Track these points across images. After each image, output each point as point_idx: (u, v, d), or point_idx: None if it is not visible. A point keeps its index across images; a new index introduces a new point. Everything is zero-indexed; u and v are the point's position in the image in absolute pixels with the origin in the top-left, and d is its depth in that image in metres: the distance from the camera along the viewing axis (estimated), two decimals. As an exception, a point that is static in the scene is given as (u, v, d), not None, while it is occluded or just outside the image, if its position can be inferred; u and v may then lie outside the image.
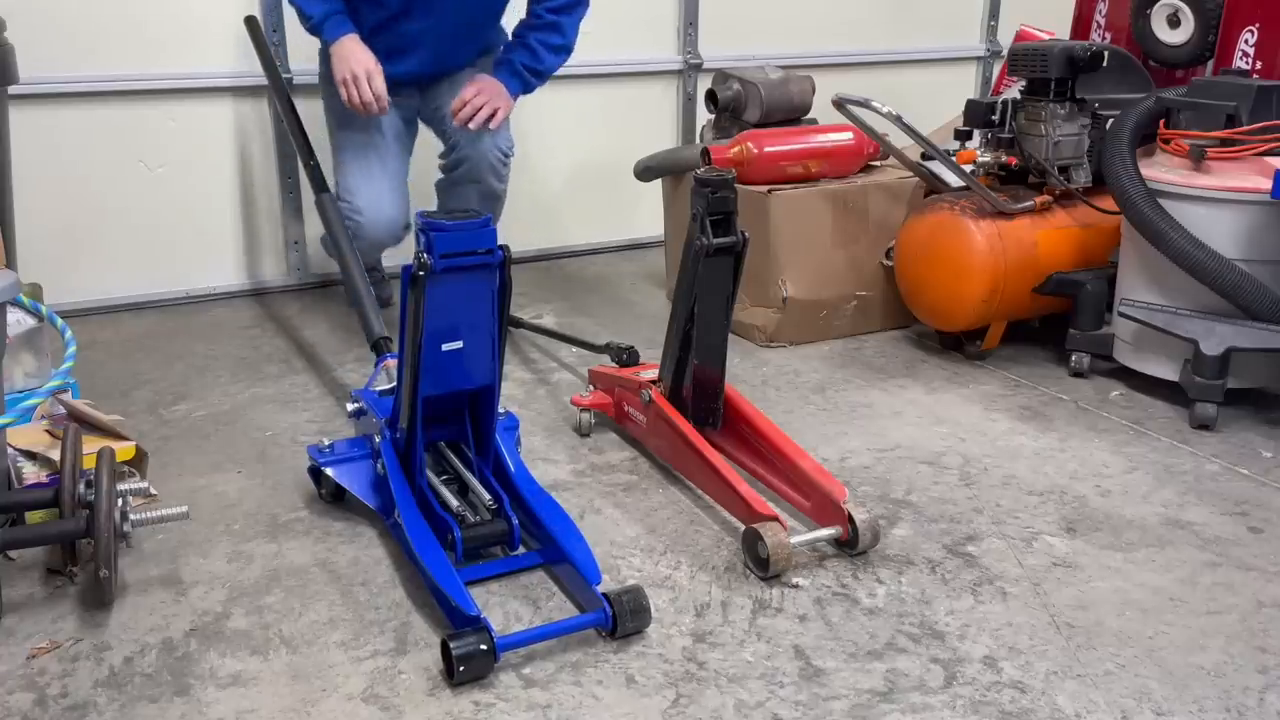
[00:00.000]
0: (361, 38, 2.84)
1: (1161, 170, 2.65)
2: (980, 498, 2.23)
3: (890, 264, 3.13)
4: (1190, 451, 2.45)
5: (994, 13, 4.66)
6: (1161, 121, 2.75)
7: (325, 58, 2.91)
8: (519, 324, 3.13)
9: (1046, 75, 2.85)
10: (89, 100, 3.26)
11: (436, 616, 1.80)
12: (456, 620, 1.71)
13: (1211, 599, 1.89)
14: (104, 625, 1.79)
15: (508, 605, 1.85)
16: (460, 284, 1.78)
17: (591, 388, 2.62)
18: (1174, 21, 3.30)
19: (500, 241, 1.78)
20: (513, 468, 2.02)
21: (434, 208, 3.04)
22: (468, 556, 1.90)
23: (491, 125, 2.90)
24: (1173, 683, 1.67)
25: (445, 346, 1.84)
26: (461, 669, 1.61)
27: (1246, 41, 3.24)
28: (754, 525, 1.94)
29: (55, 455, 2.01)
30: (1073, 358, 2.86)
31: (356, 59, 2.78)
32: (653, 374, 2.40)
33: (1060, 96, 2.87)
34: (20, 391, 2.40)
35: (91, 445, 1.97)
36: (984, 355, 2.99)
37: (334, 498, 2.17)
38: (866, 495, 2.23)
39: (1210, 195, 2.54)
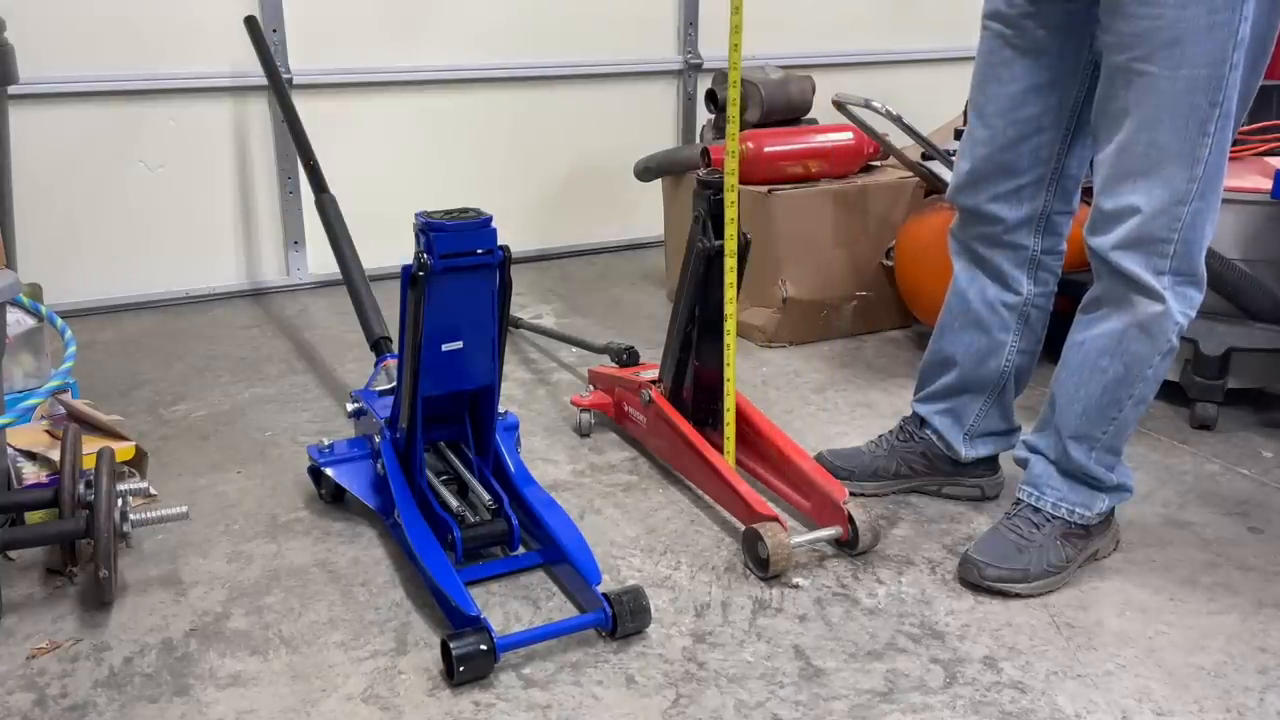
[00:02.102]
0: None
1: (1161, 170, 2.64)
2: (980, 498, 2.23)
3: (890, 264, 3.13)
4: (1190, 451, 2.45)
5: (994, 13, 4.65)
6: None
7: None
8: (519, 324, 3.13)
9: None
10: (89, 100, 3.26)
11: (436, 616, 1.80)
12: (456, 620, 1.71)
13: (1211, 599, 1.89)
14: (104, 625, 1.79)
15: (508, 605, 1.85)
16: (460, 284, 1.77)
17: (591, 388, 2.62)
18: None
19: (500, 242, 1.78)
20: (513, 468, 2.02)
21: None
22: (468, 556, 1.90)
23: None
24: (1173, 683, 1.67)
25: (445, 346, 1.84)
26: (461, 669, 1.61)
27: (1246, 41, 3.24)
28: (754, 525, 1.93)
29: (55, 455, 2.01)
30: (1073, 358, 2.86)
31: None
32: (653, 374, 2.40)
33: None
34: (20, 391, 2.40)
35: (91, 445, 1.97)
36: (984, 355, 2.98)
37: (334, 498, 2.17)
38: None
39: (1210, 195, 2.53)
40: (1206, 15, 1.62)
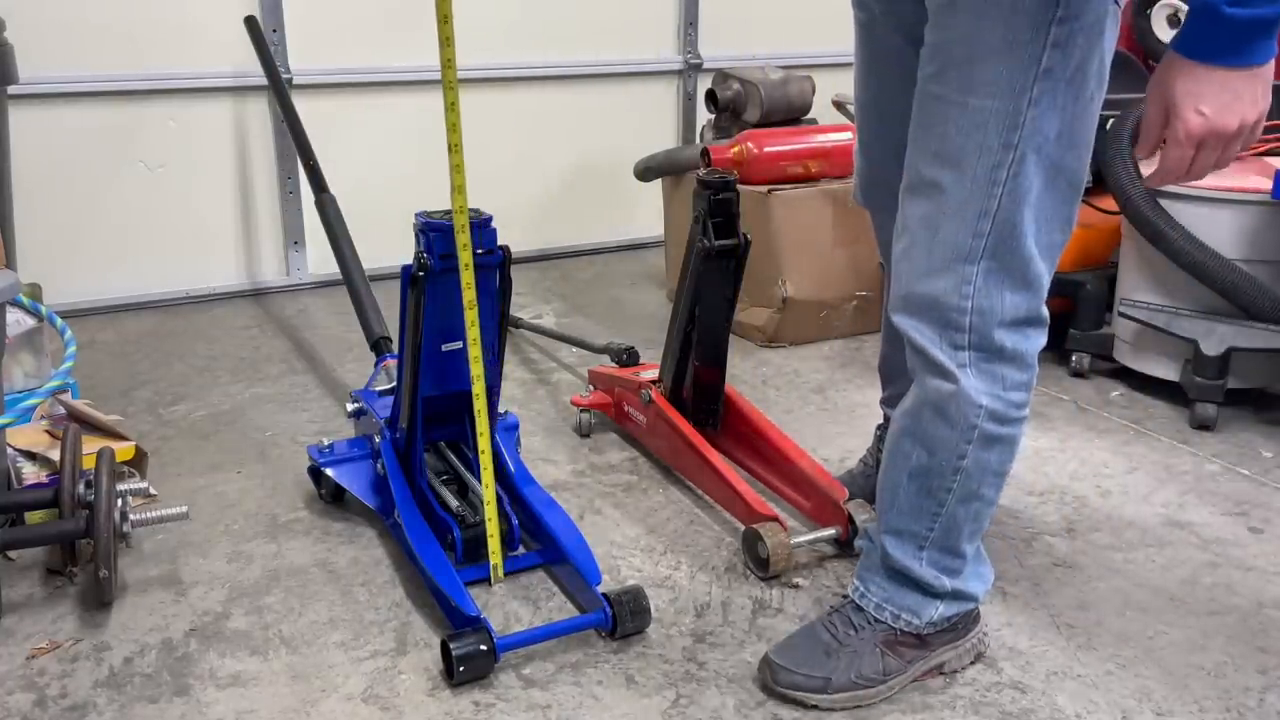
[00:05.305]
0: None
1: (1161, 170, 2.64)
2: (980, 498, 2.22)
3: (890, 264, 3.13)
4: (1190, 451, 2.45)
5: (994, 13, 4.65)
6: (1161, 121, 2.74)
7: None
8: (519, 324, 3.13)
9: (1046, 75, 2.84)
10: (89, 100, 3.26)
11: (436, 616, 1.80)
12: (456, 620, 1.71)
13: (1211, 599, 1.89)
14: (104, 625, 1.79)
15: (508, 605, 1.85)
16: (460, 284, 1.77)
17: (591, 388, 2.62)
18: (1174, 21, 3.30)
19: (500, 242, 1.78)
20: (513, 468, 2.02)
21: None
22: (468, 556, 1.90)
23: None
24: (1173, 683, 1.67)
25: (445, 346, 1.84)
26: (461, 669, 1.61)
27: (1246, 41, 3.23)
28: (754, 525, 1.93)
29: (55, 455, 2.01)
30: (1073, 358, 2.87)
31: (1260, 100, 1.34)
32: (653, 374, 2.40)
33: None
34: (20, 391, 2.40)
35: (91, 445, 1.97)
36: (984, 355, 2.98)
37: (334, 498, 2.17)
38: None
39: (1210, 195, 2.53)
40: (1003, 33, 1.34)
